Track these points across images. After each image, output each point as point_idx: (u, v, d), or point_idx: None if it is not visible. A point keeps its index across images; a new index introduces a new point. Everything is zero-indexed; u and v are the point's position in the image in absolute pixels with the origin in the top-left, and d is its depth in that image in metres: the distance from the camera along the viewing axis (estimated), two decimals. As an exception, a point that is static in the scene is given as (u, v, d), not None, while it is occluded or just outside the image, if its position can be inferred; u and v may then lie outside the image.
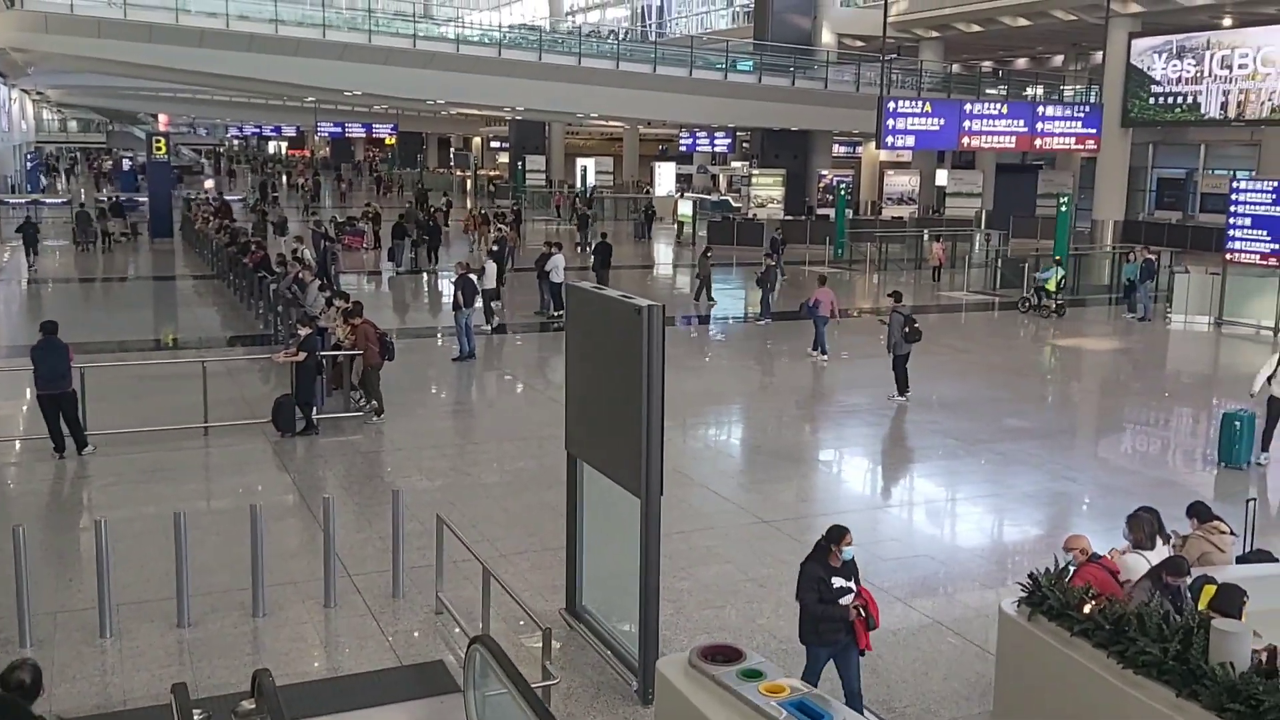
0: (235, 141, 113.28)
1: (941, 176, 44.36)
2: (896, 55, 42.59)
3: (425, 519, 10.36)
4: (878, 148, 21.19)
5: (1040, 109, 22.33)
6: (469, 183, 65.15)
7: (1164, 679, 5.71)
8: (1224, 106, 32.72)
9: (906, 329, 15.86)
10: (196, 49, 30.99)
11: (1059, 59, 48.34)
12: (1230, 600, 6.27)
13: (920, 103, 20.74)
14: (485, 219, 34.00)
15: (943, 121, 20.35)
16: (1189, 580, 6.84)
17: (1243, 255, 21.90)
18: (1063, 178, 42.69)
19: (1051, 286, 23.88)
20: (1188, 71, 33.44)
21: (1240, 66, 31.82)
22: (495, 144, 77.09)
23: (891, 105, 20.17)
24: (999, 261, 28.28)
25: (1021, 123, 21.08)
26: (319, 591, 8.81)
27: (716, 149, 48.80)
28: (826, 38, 41.21)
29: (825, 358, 18.50)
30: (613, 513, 8.23)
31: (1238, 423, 12.44)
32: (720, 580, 9.42)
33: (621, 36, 42.37)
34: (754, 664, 5.41)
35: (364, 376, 14.38)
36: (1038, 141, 21.40)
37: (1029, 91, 43.55)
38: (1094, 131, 22.70)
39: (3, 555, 8.50)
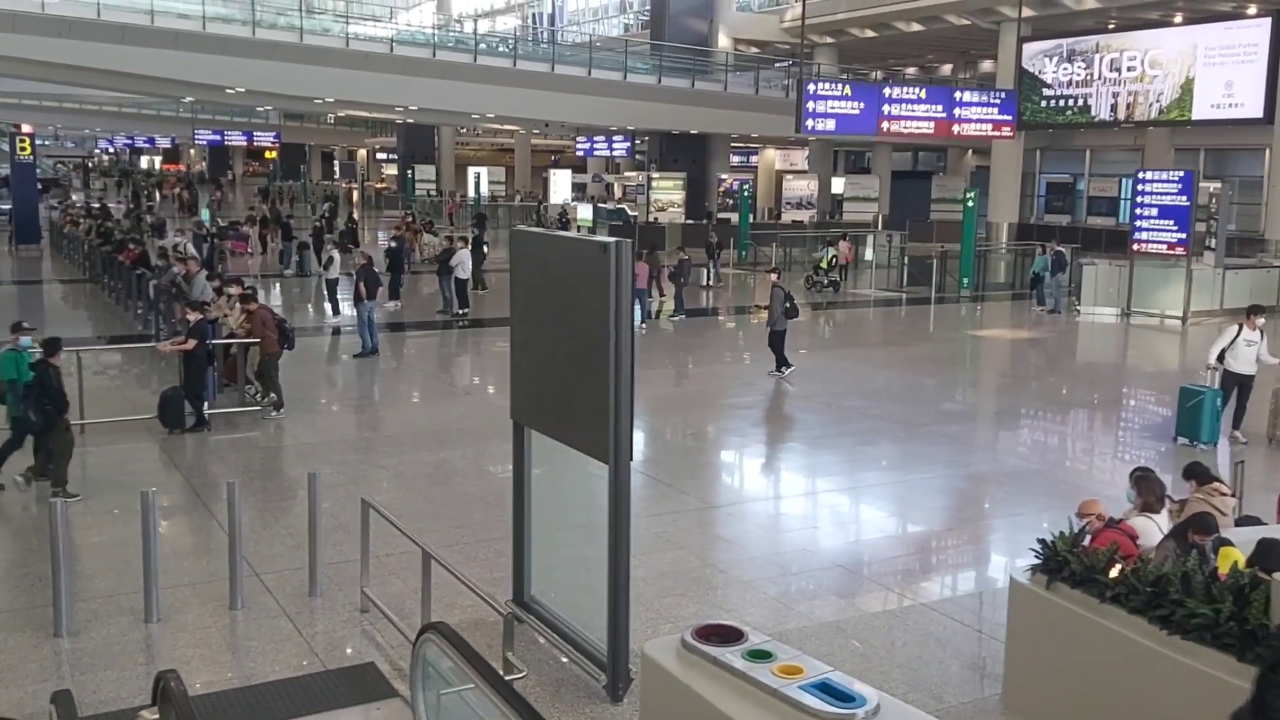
0: (105, 156, 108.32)
1: (837, 184, 44.66)
2: (791, 61, 42.66)
3: (339, 514, 9.30)
4: (796, 132, 20.71)
5: (958, 94, 22.21)
6: (355, 194, 63.23)
7: (1221, 644, 5.08)
8: (1114, 109, 33.43)
9: (787, 304, 16.13)
10: (63, 39, 28.91)
11: (948, 68, 49.17)
12: (1273, 556, 5.70)
13: (840, 85, 20.38)
14: (420, 228, 32.45)
15: (862, 105, 20.01)
16: (1210, 541, 6.28)
17: (1150, 245, 22.09)
18: (955, 183, 43.29)
19: (825, 265, 26.40)
20: (1078, 74, 34.10)
21: (1129, 69, 32.56)
22: (382, 155, 75.24)
23: (811, 87, 19.74)
24: (905, 260, 28.31)
25: (940, 108, 20.90)
26: (222, 592, 7.67)
27: (615, 152, 48.11)
28: (723, 42, 41.04)
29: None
30: (564, 489, 7.34)
31: (1198, 398, 12.09)
32: (676, 567, 8.56)
33: (518, 38, 41.41)
34: (760, 644, 4.68)
35: (261, 366, 13.13)
36: (955, 128, 21.26)
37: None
38: (1010, 119, 22.71)
39: None
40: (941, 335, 21.90)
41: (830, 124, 19.70)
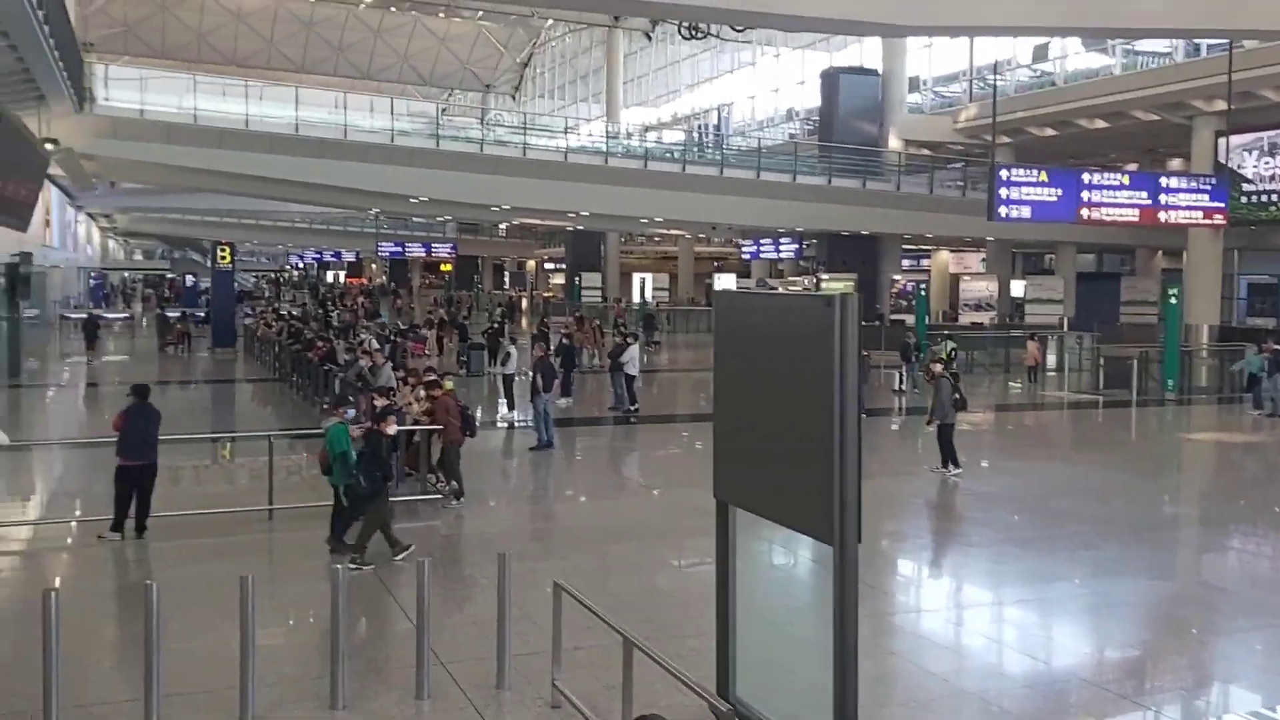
0: (295, 270, 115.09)
1: (1017, 286, 43.10)
2: (966, 162, 41.75)
3: (521, 603, 8.79)
4: (989, 219, 19.86)
5: (1163, 180, 20.96)
6: (524, 301, 64.89)
7: None
8: (1323, 203, 31.21)
9: (956, 394, 15.14)
10: (265, 155, 30.82)
11: (1133, 166, 47.28)
12: None
13: (1035, 171, 19.50)
14: (599, 330, 32.64)
15: (1060, 192, 19.07)
16: None
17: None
18: (1146, 285, 41.12)
19: (945, 356, 22.70)
20: (1281, 168, 32.06)
21: (1339, 160, 30.43)
22: (550, 265, 77.29)
23: (1004, 174, 18.95)
24: (1100, 362, 26.70)
25: (1144, 194, 19.73)
26: (408, 681, 7.26)
27: (782, 255, 47.80)
28: (894, 144, 40.51)
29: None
30: (771, 575, 6.71)
31: None
32: (889, 673, 7.71)
33: (687, 145, 42.10)
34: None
35: (443, 454, 12.99)
36: (1162, 215, 19.98)
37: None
38: (1221, 205, 21.27)
39: (31, 640, 6.99)
40: (1151, 438, 20.40)
41: (1025, 211, 18.80)
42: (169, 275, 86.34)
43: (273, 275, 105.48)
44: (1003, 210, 18.51)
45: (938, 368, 16.07)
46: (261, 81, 40.03)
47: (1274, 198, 32.55)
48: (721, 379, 6.72)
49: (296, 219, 70.31)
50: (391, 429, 11.25)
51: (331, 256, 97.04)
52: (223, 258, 35.58)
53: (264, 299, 70.57)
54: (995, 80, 25.78)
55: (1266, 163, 32.58)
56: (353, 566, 9.84)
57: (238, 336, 36.10)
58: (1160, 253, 45.12)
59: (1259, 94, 30.75)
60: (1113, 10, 16.26)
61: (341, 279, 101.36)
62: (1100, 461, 17.43)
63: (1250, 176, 32.97)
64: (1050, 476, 15.87)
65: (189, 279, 56.92)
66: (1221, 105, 33.08)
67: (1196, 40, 34.19)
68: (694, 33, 34.22)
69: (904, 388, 24.23)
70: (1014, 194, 18.64)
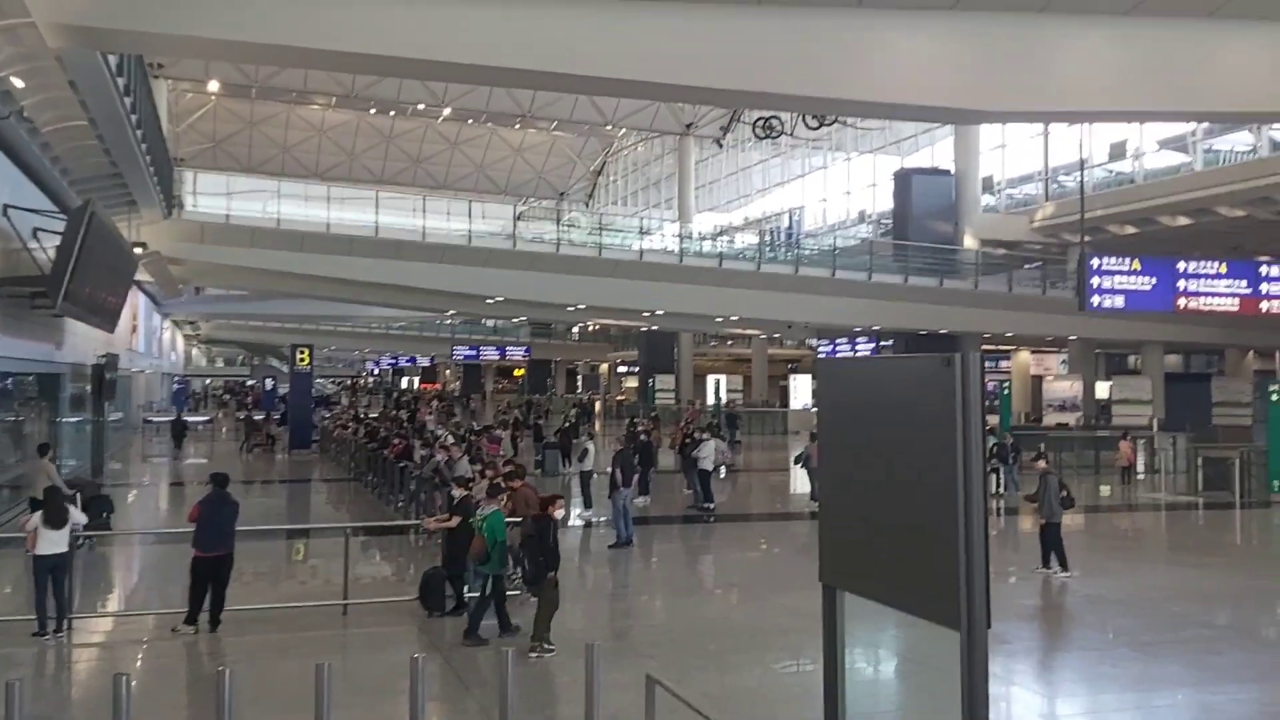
0: (371, 376, 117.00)
1: (1101, 388, 41.96)
2: (1041, 265, 41.12)
3: (609, 703, 8.31)
4: (1081, 309, 19.34)
5: (1263, 269, 20.25)
6: (597, 404, 64.87)
7: None
8: None
9: (1064, 493, 14.63)
10: (345, 256, 31.39)
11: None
12: None
13: (1128, 260, 18.97)
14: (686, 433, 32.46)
15: (1154, 281, 18.49)
16: None
17: None
18: (1238, 385, 39.71)
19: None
20: (1380, 261, 30.94)
21: None
22: (622, 369, 77.45)
23: (1096, 262, 18.44)
24: (1200, 462, 25.55)
25: (1244, 283, 19.06)
26: (489, 781, 6.79)
27: (859, 355, 47.22)
28: (969, 243, 40.10)
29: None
30: (890, 665, 6.19)
31: None
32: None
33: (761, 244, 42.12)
34: None
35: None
36: (1264, 305, 19.26)
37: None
38: (1325, 293, 20.49)
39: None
40: (1265, 540, 19.30)
41: (1119, 300, 18.21)
42: (249, 381, 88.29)
43: (349, 381, 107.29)
44: (1095, 299, 17.96)
45: (1043, 464, 15.45)
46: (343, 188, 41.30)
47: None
48: (828, 456, 6.30)
49: (374, 324, 71.59)
50: (559, 512, 11.18)
51: (407, 361, 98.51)
52: (302, 359, 36.08)
53: (340, 404, 71.80)
54: (1081, 172, 25.48)
55: (1363, 257, 31.50)
56: (534, 655, 10.07)
57: (315, 439, 36.36)
58: (1251, 353, 43.71)
59: (1352, 186, 29.94)
60: (1199, 94, 15.93)
61: (416, 384, 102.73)
62: (1214, 565, 16.43)
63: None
64: (1160, 579, 14.97)
65: (268, 383, 57.90)
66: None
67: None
68: (768, 132, 34.48)
69: (1003, 490, 23.17)
70: (1106, 283, 18.10)
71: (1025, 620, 12.49)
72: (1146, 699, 9.47)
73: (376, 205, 32.09)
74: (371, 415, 37.25)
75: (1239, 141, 35.44)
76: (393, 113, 59.93)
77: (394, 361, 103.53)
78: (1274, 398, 22.88)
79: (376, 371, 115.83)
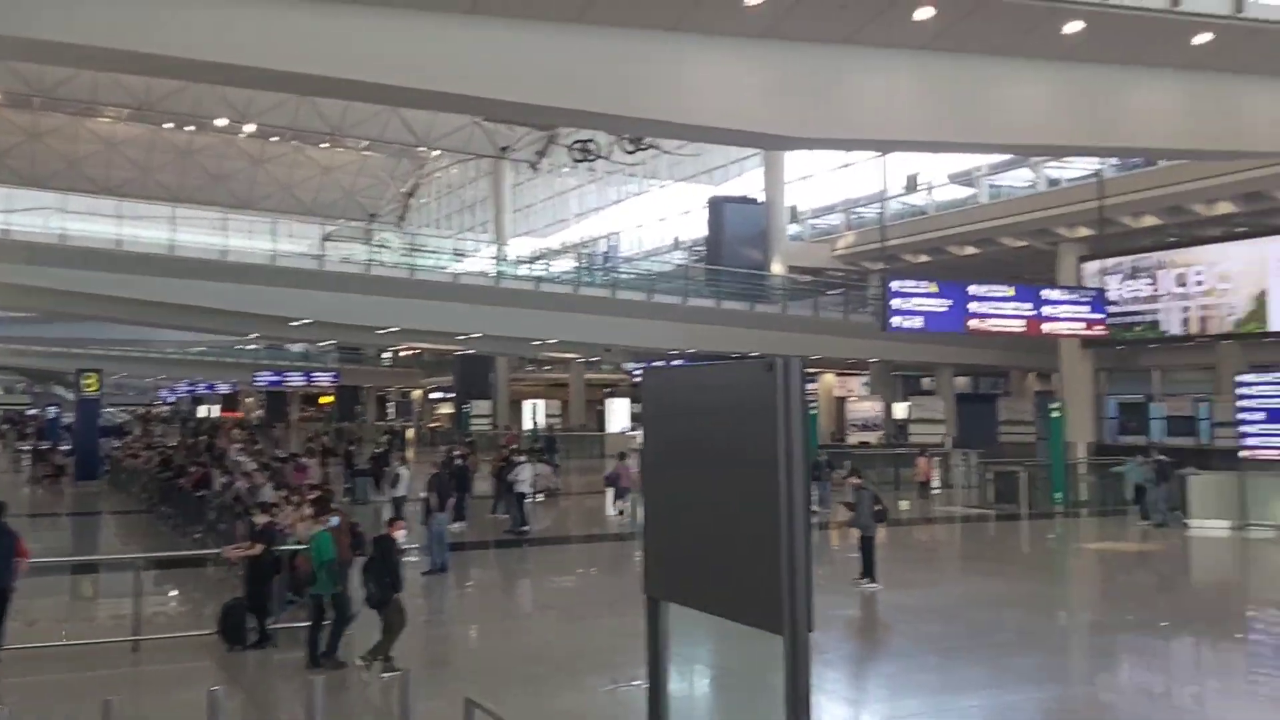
0: (165, 405, 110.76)
1: (898, 409, 44.02)
2: (844, 291, 42.88)
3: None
4: (883, 329, 20.18)
5: (1045, 293, 21.67)
6: (410, 432, 63.38)
7: None
8: (1185, 323, 32.72)
9: (876, 506, 15.08)
10: (138, 276, 29.61)
11: (1002, 292, 49.28)
12: None
13: (925, 283, 19.96)
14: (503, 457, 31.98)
15: (950, 303, 19.53)
16: None
17: (1262, 452, 20.78)
18: (1021, 405, 42.38)
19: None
20: (1143, 291, 33.66)
21: (1197, 283, 32.06)
22: (436, 395, 76.07)
23: (896, 284, 19.31)
24: (992, 477, 27.09)
25: (1029, 306, 20.34)
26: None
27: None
28: (776, 269, 41.47)
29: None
30: (709, 679, 6.16)
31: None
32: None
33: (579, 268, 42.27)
34: None
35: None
36: (1045, 326, 20.60)
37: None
38: (1101, 317, 22.09)
39: None
40: (1054, 550, 20.58)
41: (918, 321, 19.13)
42: (29, 411, 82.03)
43: (143, 409, 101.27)
44: (895, 320, 18.81)
45: (855, 480, 15.97)
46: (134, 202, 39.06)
47: (1137, 319, 34.10)
48: (650, 468, 6.24)
49: (169, 349, 67.96)
50: (400, 532, 11.04)
51: (205, 389, 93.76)
52: (88, 385, 33.78)
53: (132, 434, 67.52)
54: (883, 202, 26.73)
55: (1129, 285, 34.21)
56: (386, 674, 9.87)
57: (105, 470, 34.03)
58: (1033, 375, 46.75)
59: (1118, 220, 32.53)
60: (993, 126, 16.98)
61: (215, 412, 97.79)
62: (1007, 573, 17.34)
63: (1114, 299, 34.53)
64: (960, 588, 15.69)
65: (51, 410, 54.00)
66: (1084, 231, 34.96)
67: (1056, 172, 36.27)
68: (585, 155, 34.67)
69: (816, 507, 23.86)
70: (906, 305, 19.01)
71: (839, 630, 12.81)
72: (954, 701, 9.83)
73: (173, 221, 30.47)
74: (169, 444, 35.22)
75: (1020, 178, 38.04)
76: (191, 127, 57.06)
77: (191, 389, 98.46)
78: (1054, 414, 24.48)
79: (173, 400, 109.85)
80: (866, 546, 14.99)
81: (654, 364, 46.67)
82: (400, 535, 10.99)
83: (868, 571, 14.82)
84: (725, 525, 5.43)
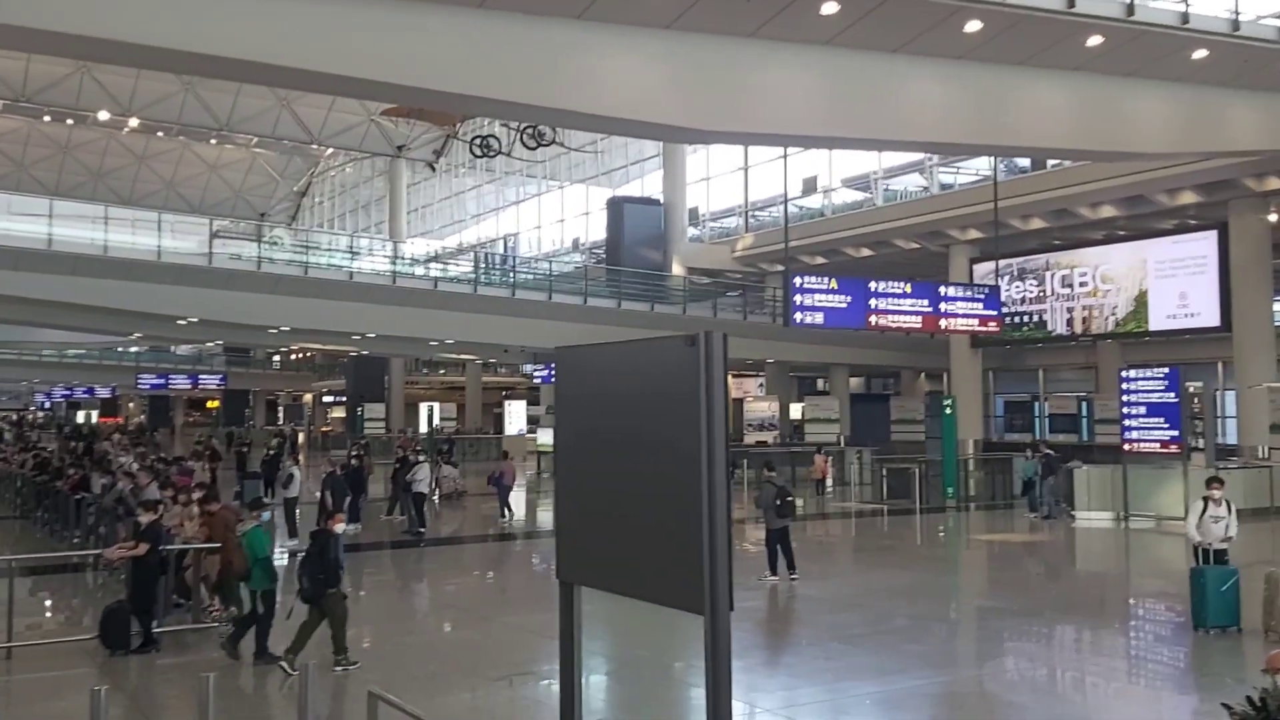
0: (40, 411, 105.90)
1: (795, 408, 44.57)
2: (742, 292, 43.25)
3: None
4: (786, 325, 20.32)
5: (942, 290, 22.10)
6: (301, 435, 61.81)
7: None
8: (1069, 323, 33.86)
9: (779, 501, 14.76)
10: (9, 271, 28.11)
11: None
12: None
13: (826, 279, 20.17)
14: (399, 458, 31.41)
15: (849, 299, 19.75)
16: None
17: (1142, 445, 21.53)
18: (913, 404, 43.35)
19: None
20: (1030, 292, 34.73)
21: (1081, 284, 33.20)
22: (329, 398, 74.38)
23: (798, 280, 19.47)
24: (884, 474, 27.58)
25: (926, 303, 20.72)
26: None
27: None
28: (676, 270, 41.61)
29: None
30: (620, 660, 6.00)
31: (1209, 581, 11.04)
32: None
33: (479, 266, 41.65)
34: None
35: (222, 576, 11.52)
36: (942, 322, 21.01)
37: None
38: (995, 314, 22.56)
39: None
40: (946, 543, 20.98)
41: (819, 317, 19.33)
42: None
43: (15, 415, 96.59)
44: (798, 316, 18.97)
45: (767, 472, 16.02)
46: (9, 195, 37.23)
47: (1025, 319, 35.16)
48: (562, 450, 6.08)
49: (45, 351, 65.04)
50: (339, 526, 10.97)
51: (84, 393, 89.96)
52: (-44, 387, 32.04)
53: (4, 439, 64.34)
54: (785, 202, 27.08)
55: (1017, 286, 35.27)
56: (340, 669, 9.86)
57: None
58: (923, 375, 47.87)
59: (1008, 223, 33.45)
60: (894, 123, 17.23)
61: (94, 418, 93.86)
62: (904, 564, 17.59)
63: (1004, 300, 35.50)
64: (860, 579, 15.87)
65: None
66: (975, 234, 35.89)
67: (949, 177, 37.19)
68: (485, 150, 34.21)
69: None
70: (808, 300, 19.18)
71: (745, 622, 12.78)
72: (853, 688, 9.87)
73: (50, 215, 29.07)
74: (46, 449, 33.62)
75: (912, 182, 38.90)
76: (70, 121, 54.65)
77: (68, 393, 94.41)
78: (947, 410, 25.03)
79: (48, 405, 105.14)
80: (769, 540, 14.99)
81: (553, 366, 46.46)
82: (339, 529, 10.87)
83: (771, 565, 14.82)
84: (644, 507, 5.29)
